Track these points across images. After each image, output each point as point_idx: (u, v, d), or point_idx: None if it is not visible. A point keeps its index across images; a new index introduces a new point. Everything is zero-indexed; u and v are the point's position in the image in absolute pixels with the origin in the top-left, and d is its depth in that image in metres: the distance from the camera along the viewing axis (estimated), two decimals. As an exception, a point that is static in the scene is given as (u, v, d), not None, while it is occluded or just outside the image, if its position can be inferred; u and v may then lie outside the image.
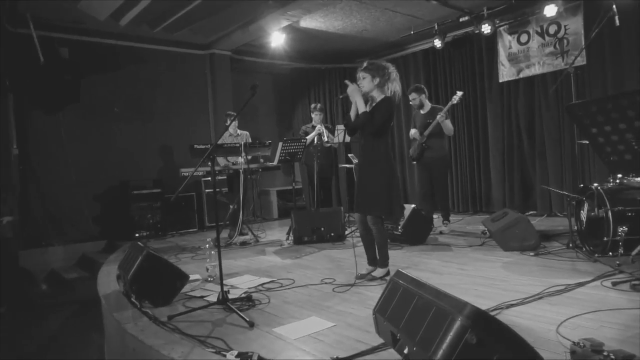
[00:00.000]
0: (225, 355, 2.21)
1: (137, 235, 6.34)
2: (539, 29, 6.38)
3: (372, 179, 3.41)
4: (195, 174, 5.37)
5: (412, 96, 5.42)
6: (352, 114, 3.51)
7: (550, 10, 5.85)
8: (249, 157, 5.42)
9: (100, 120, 6.66)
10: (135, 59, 7.03)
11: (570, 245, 4.05)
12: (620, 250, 3.35)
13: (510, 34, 6.70)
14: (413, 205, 4.93)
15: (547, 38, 6.30)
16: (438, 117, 5.11)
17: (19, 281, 5.14)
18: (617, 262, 3.30)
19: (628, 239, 3.36)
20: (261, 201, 8.29)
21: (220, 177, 6.31)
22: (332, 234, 5.29)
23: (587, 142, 3.80)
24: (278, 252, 4.96)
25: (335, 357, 2.13)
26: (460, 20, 6.61)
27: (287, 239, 5.49)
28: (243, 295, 3.21)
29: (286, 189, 8.36)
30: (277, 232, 6.35)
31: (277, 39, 6.95)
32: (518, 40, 6.62)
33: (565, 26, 6.09)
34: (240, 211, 5.53)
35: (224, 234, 5.79)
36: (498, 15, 6.51)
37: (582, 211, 3.99)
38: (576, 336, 2.04)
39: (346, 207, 7.44)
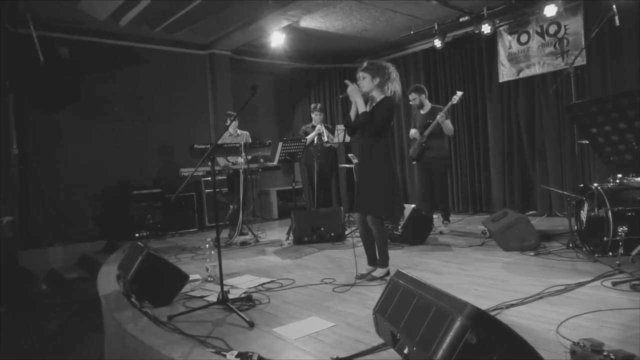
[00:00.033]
0: (225, 356, 2.21)
1: (137, 235, 6.34)
2: (539, 29, 6.38)
3: (372, 179, 3.41)
4: (195, 174, 5.38)
5: (412, 96, 5.43)
6: (352, 113, 3.51)
7: (550, 10, 5.85)
8: (249, 157, 5.42)
9: (100, 120, 6.66)
10: (135, 59, 7.03)
11: (570, 245, 4.05)
12: (620, 250, 3.35)
13: (510, 34, 6.70)
14: (413, 205, 4.93)
15: (547, 38, 6.30)
16: (438, 117, 5.11)
17: (19, 281, 5.14)
18: (617, 262, 3.30)
19: (628, 239, 3.36)
20: (261, 201, 8.29)
21: (220, 177, 6.31)
22: (332, 234, 5.29)
23: (587, 142, 3.80)
24: (278, 252, 4.96)
25: (335, 357, 2.13)
26: (460, 20, 6.61)
27: (287, 239, 5.49)
28: (243, 295, 3.21)
29: (286, 189, 8.36)
30: (277, 232, 6.35)
31: (277, 39, 6.95)
32: (518, 40, 6.62)
33: (565, 26, 6.09)
34: (240, 211, 5.53)
35: (224, 234, 5.79)
36: (498, 15, 6.51)
37: (582, 211, 3.99)
38: (576, 336, 2.04)
39: (346, 207, 7.44)
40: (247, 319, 2.65)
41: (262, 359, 2.16)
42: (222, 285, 2.97)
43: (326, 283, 3.52)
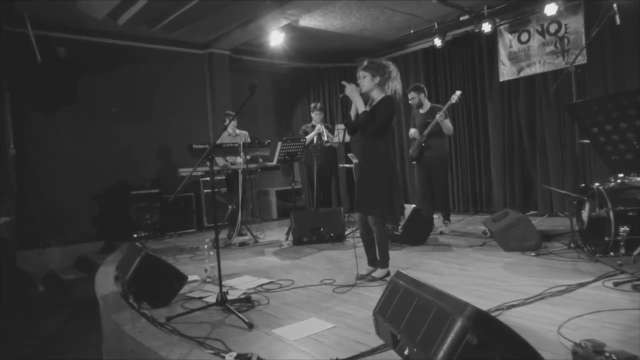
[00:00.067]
0: (224, 357, 2.21)
1: (135, 235, 6.33)
2: (539, 28, 6.38)
3: (373, 178, 3.41)
4: (193, 174, 5.37)
5: (411, 95, 5.43)
6: (353, 113, 3.51)
7: (550, 9, 5.86)
8: (248, 157, 5.42)
9: (98, 119, 6.66)
10: (133, 59, 7.03)
11: (572, 245, 4.04)
12: (622, 251, 3.35)
13: (511, 32, 6.70)
14: (413, 206, 4.92)
15: (547, 37, 6.30)
16: (437, 116, 5.11)
17: (16, 282, 5.13)
18: (619, 263, 3.30)
19: (629, 239, 3.35)
20: (260, 201, 8.28)
21: (219, 177, 6.30)
22: (332, 235, 5.28)
23: (588, 141, 3.80)
24: (277, 253, 4.96)
25: (335, 358, 2.13)
26: (461, 19, 6.62)
27: (287, 239, 5.48)
28: (242, 296, 3.21)
29: (285, 189, 8.36)
30: (277, 233, 6.34)
31: (276, 38, 6.95)
32: (518, 39, 6.62)
33: (565, 25, 6.09)
34: (239, 211, 5.52)
35: (223, 234, 5.78)
36: (498, 14, 6.51)
37: (583, 211, 3.99)
38: (578, 337, 2.04)
39: (346, 208, 7.44)
40: (246, 320, 2.65)
41: (261, 360, 2.16)
42: (221, 286, 2.96)
43: (326, 284, 3.52)
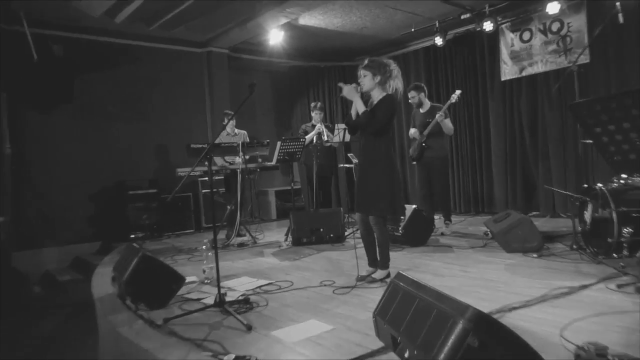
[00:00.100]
0: (222, 359, 2.20)
1: (132, 236, 6.33)
2: (541, 27, 6.38)
3: (374, 178, 3.41)
4: (192, 174, 5.35)
5: (411, 94, 5.43)
6: (353, 112, 3.51)
7: (552, 8, 5.85)
8: (247, 157, 5.41)
9: (95, 119, 6.65)
10: (131, 57, 7.02)
11: (574, 246, 4.04)
12: (625, 252, 3.34)
13: (513, 31, 6.70)
14: (414, 206, 4.92)
15: (549, 36, 6.30)
16: (437, 116, 5.11)
17: (11, 283, 5.12)
18: (622, 264, 3.29)
19: (633, 240, 3.35)
20: (259, 202, 8.29)
21: (217, 177, 6.30)
22: (332, 235, 5.28)
23: (591, 141, 3.79)
24: (276, 254, 4.95)
25: (334, 361, 2.13)
26: (462, 17, 6.61)
27: (286, 240, 5.48)
28: (240, 297, 3.20)
29: (285, 189, 8.36)
30: (276, 233, 6.33)
31: (275, 36, 6.94)
32: (520, 38, 6.62)
33: (568, 24, 6.09)
34: (238, 212, 5.52)
35: (221, 235, 5.78)
36: (500, 12, 6.51)
37: (585, 212, 3.98)
38: (580, 340, 2.04)
39: (346, 208, 7.43)
40: (245, 322, 2.64)
41: (259, 362, 2.15)
42: (219, 287, 2.96)
43: (325, 285, 3.51)
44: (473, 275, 3.58)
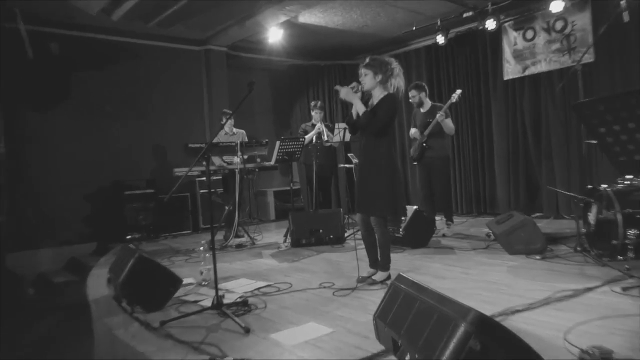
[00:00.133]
0: (219, 363, 2.20)
1: (128, 237, 6.32)
2: (545, 25, 6.38)
3: (375, 178, 3.41)
4: (189, 174, 5.35)
5: (412, 93, 5.43)
6: (354, 112, 3.50)
7: (556, 6, 5.85)
8: (245, 157, 5.40)
9: (91, 118, 6.64)
10: (128, 55, 7.01)
11: (578, 248, 4.04)
12: (630, 254, 3.34)
13: (516, 30, 6.69)
14: (415, 207, 4.92)
15: (553, 34, 6.30)
16: (437, 116, 5.11)
17: (5, 285, 5.12)
18: (627, 267, 3.29)
19: (638, 242, 3.35)
20: (258, 202, 8.29)
21: (215, 177, 6.29)
22: (331, 237, 5.28)
23: (595, 141, 3.79)
24: (275, 255, 4.95)
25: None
26: (464, 15, 6.60)
27: (285, 241, 5.48)
28: (238, 299, 3.19)
29: (284, 189, 8.36)
30: (274, 235, 6.33)
31: (274, 34, 6.94)
32: (523, 37, 6.62)
33: (572, 22, 6.08)
34: (236, 212, 5.52)
35: (219, 236, 5.77)
36: (503, 10, 6.51)
37: (590, 213, 3.98)
38: (584, 343, 2.04)
39: (346, 209, 7.42)
40: (243, 325, 2.64)
41: (257, 366, 2.15)
42: (216, 289, 2.95)
43: (325, 287, 3.51)
44: (475, 278, 3.58)
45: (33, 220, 6.07)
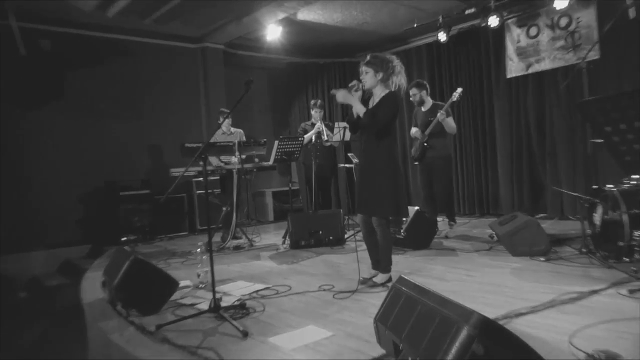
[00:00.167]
0: (216, 367, 2.20)
1: (123, 239, 6.31)
2: (549, 22, 6.38)
3: (376, 178, 3.41)
4: (186, 174, 5.36)
5: (413, 92, 5.42)
6: (355, 111, 3.50)
7: (560, 3, 5.85)
8: (243, 157, 5.40)
9: (85, 117, 6.64)
10: (123, 53, 7.01)
11: (583, 250, 4.04)
12: (637, 256, 3.34)
13: (519, 27, 6.70)
14: (416, 208, 4.92)
15: (557, 31, 6.30)
16: (438, 115, 5.11)
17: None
18: (633, 269, 3.29)
19: (644, 243, 3.34)
20: (256, 203, 8.28)
21: (212, 178, 6.29)
22: (331, 238, 5.28)
23: (601, 140, 3.79)
24: (274, 257, 4.95)
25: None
26: (466, 12, 6.61)
27: (284, 243, 5.47)
28: (236, 302, 3.19)
29: (282, 190, 8.36)
30: (273, 236, 6.33)
31: (273, 32, 6.94)
32: (527, 34, 6.62)
33: (577, 19, 6.09)
34: (234, 214, 5.52)
35: (217, 237, 5.77)
36: (506, 7, 6.51)
37: (595, 214, 3.98)
38: (590, 347, 2.04)
39: (346, 209, 7.43)
40: (241, 328, 2.64)
41: (255, 371, 2.15)
42: (214, 292, 2.95)
43: (324, 290, 3.51)
44: (478, 280, 3.58)
45: (24, 222, 6.05)
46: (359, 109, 3.42)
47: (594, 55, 5.75)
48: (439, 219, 5.47)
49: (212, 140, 5.45)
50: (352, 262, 3.86)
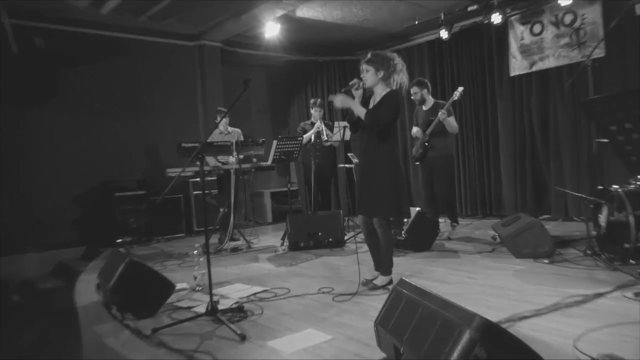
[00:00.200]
0: (213, 372, 2.20)
1: (119, 240, 6.29)
2: (553, 19, 6.38)
3: (377, 178, 3.41)
4: (182, 174, 5.36)
5: (414, 90, 5.42)
6: (355, 114, 3.51)
7: (565, -1, 5.86)
8: (241, 157, 5.41)
9: (80, 115, 6.63)
10: (118, 51, 7.01)
11: (588, 252, 4.04)
12: (642, 258, 3.34)
13: (523, 24, 6.70)
14: (418, 209, 4.92)
15: (562, 28, 6.30)
16: (439, 114, 5.11)
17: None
18: (639, 271, 3.29)
19: (650, 245, 3.35)
20: (254, 204, 8.28)
21: (209, 178, 6.29)
22: (331, 240, 5.27)
23: (606, 140, 3.79)
24: (272, 259, 4.95)
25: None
26: (469, 9, 6.60)
27: (282, 244, 5.47)
28: (234, 305, 3.19)
29: (281, 190, 8.34)
30: (271, 238, 6.33)
31: (271, 29, 6.94)
32: (531, 31, 6.63)
33: (582, 15, 6.09)
34: (232, 215, 5.51)
35: (214, 239, 5.77)
36: (509, 4, 6.51)
37: (600, 215, 3.98)
38: (595, 351, 2.04)
39: (346, 210, 7.42)
40: (239, 332, 2.64)
41: (253, 375, 2.15)
42: (211, 295, 2.95)
43: (324, 292, 3.50)
44: (480, 282, 3.58)
45: (17, 223, 6.04)
46: (359, 112, 3.43)
47: (600, 52, 5.75)
48: (440, 220, 5.48)
49: (209, 140, 5.43)
50: (352, 264, 3.86)
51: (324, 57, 8.89)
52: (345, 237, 5.44)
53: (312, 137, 5.89)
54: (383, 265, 3.54)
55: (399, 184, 3.41)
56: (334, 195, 8.39)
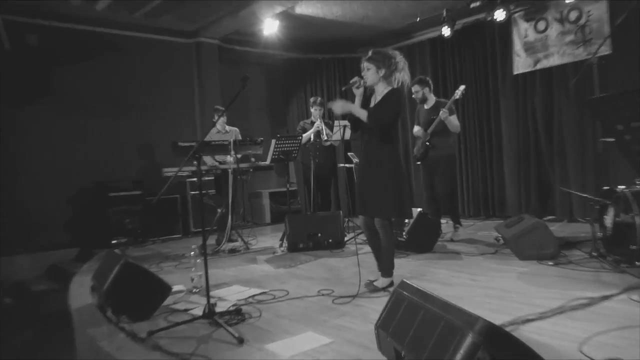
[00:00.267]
0: (210, 376, 2.19)
1: (114, 242, 6.31)
2: (558, 16, 6.39)
3: (378, 178, 3.41)
4: (179, 174, 5.35)
5: (415, 89, 5.42)
6: (357, 116, 3.51)
7: (570, -5, 5.87)
8: (239, 156, 5.40)
9: (74, 114, 6.63)
10: (112, 48, 7.01)
11: (594, 253, 4.04)
12: (649, 260, 3.34)
13: (527, 21, 6.71)
14: (419, 209, 4.91)
15: (567, 25, 6.31)
16: (440, 113, 5.11)
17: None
18: (645, 273, 3.29)
19: (657, 246, 3.35)
20: (252, 204, 8.28)
21: (207, 178, 6.29)
22: (330, 241, 5.27)
23: (612, 139, 3.79)
24: (270, 261, 4.94)
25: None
26: (471, 6, 6.60)
27: (281, 245, 5.47)
28: (232, 308, 3.19)
29: (280, 190, 8.35)
30: (270, 239, 6.34)
31: (270, 26, 6.94)
32: (535, 28, 6.63)
33: (587, 12, 6.09)
34: (229, 215, 5.51)
35: (211, 240, 5.77)
36: (513, 0, 6.51)
37: (606, 216, 3.98)
38: (601, 355, 2.03)
39: (346, 211, 7.42)
40: (236, 335, 2.63)
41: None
42: (208, 297, 2.95)
43: (323, 295, 3.50)
44: (483, 285, 3.57)
45: (9, 224, 6.03)
46: (360, 114, 3.43)
47: (605, 50, 5.75)
48: (443, 221, 5.47)
49: (206, 139, 5.45)
50: (352, 266, 3.86)
51: (324, 54, 8.89)
52: (346, 238, 5.45)
53: (312, 137, 5.89)
54: (384, 267, 3.54)
55: (400, 184, 3.42)
56: (333, 196, 8.38)
